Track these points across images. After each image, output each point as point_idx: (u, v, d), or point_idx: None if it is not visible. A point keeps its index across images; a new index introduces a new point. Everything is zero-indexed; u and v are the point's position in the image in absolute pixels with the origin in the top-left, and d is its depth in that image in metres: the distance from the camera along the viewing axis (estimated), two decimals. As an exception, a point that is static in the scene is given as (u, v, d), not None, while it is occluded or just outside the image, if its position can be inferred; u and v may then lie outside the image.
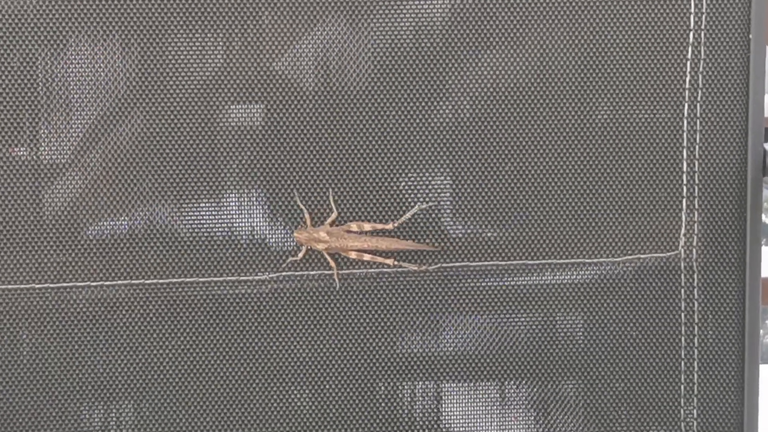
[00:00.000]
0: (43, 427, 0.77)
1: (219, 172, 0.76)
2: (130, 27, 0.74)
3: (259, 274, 0.77)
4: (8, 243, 0.75)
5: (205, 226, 0.77)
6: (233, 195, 0.77)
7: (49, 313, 0.76)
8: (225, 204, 0.77)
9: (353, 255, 0.77)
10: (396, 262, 0.77)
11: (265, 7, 0.75)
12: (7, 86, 0.74)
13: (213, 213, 0.77)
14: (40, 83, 0.74)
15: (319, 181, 0.77)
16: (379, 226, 0.77)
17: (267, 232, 0.77)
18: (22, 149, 0.75)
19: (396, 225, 0.77)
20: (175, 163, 0.76)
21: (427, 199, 0.77)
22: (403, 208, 0.78)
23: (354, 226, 0.77)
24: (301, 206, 0.77)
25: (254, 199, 0.77)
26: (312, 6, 0.75)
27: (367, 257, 0.77)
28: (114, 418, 0.78)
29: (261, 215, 0.77)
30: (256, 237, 0.77)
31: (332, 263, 0.77)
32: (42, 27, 0.74)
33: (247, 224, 0.77)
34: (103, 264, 0.76)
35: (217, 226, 0.77)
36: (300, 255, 0.77)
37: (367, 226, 0.77)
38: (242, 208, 0.77)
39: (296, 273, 0.78)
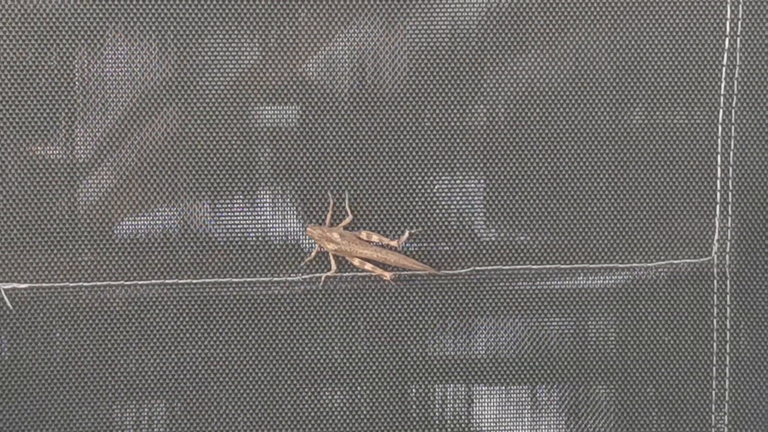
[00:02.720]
0: (75, 426, 0.78)
1: (253, 172, 0.76)
2: (166, 26, 0.74)
3: (292, 275, 0.78)
4: (43, 241, 0.76)
5: (238, 226, 0.77)
6: (267, 196, 0.77)
7: (82, 311, 0.77)
8: (258, 205, 0.77)
9: (356, 262, 0.77)
10: (393, 277, 0.77)
11: (301, 7, 0.75)
12: (44, 85, 0.74)
13: (246, 214, 0.77)
14: (77, 82, 0.74)
15: (349, 182, 0.77)
16: (386, 241, 0.77)
17: (300, 233, 0.77)
18: (57, 148, 0.75)
19: (400, 243, 0.77)
20: (209, 163, 0.76)
21: (418, 224, 0.78)
22: (434, 212, 0.78)
23: (364, 235, 0.77)
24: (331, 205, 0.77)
25: (288, 200, 0.77)
26: (348, 7, 0.75)
27: (368, 267, 0.77)
28: (146, 417, 0.78)
29: (295, 217, 0.77)
30: (289, 238, 0.77)
31: (334, 265, 0.77)
32: (79, 26, 0.74)
33: (280, 225, 0.77)
34: (137, 263, 0.76)
35: (250, 226, 0.77)
36: (312, 254, 0.77)
37: (375, 237, 0.77)
38: (276, 209, 0.77)
39: (329, 274, 0.78)
